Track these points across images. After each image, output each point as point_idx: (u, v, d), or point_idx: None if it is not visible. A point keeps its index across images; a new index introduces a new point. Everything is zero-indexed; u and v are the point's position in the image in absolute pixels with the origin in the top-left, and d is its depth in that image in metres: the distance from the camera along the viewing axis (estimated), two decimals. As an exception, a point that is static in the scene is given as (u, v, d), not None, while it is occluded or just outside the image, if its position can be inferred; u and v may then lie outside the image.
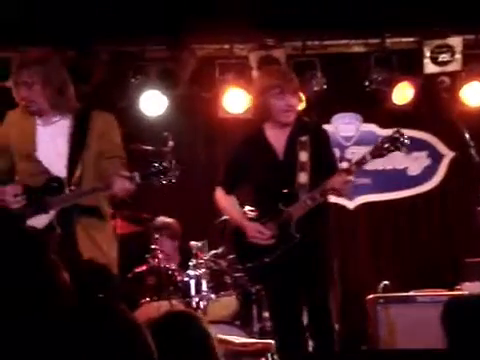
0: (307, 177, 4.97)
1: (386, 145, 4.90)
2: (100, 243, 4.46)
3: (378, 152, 4.92)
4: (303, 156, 5.01)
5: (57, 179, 4.42)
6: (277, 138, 5.10)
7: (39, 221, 4.37)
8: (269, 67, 5.50)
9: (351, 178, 4.91)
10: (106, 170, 4.37)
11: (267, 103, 5.02)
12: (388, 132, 7.99)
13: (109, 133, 4.56)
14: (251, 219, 5.13)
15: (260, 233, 4.98)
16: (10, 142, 4.58)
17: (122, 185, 4.21)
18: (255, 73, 7.57)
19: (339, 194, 5.10)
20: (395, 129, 4.99)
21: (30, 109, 4.51)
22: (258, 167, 5.06)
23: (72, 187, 4.39)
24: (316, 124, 5.43)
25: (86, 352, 1.69)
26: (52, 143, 4.52)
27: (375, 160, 5.03)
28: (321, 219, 5.06)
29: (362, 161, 4.94)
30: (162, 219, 6.92)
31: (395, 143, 4.89)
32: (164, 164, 4.22)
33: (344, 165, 5.36)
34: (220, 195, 5.26)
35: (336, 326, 5.09)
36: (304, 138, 5.04)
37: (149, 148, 5.46)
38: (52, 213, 4.38)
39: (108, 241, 4.56)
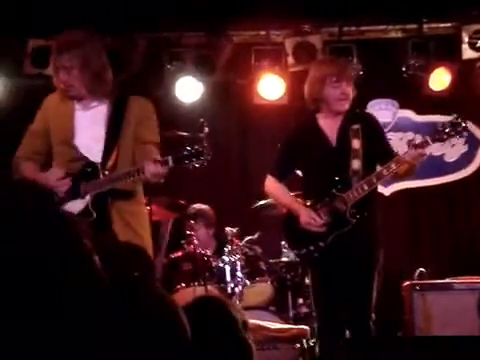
0: (360, 164, 5.01)
1: (447, 130, 4.86)
2: (135, 227, 4.47)
3: (439, 136, 4.89)
4: (355, 144, 5.04)
5: (92, 164, 4.43)
6: (330, 126, 5.15)
7: (75, 206, 4.40)
8: (324, 57, 5.52)
9: (426, 152, 4.89)
10: (141, 155, 4.37)
11: (322, 91, 5.07)
12: (424, 118, 8.04)
13: (146, 119, 4.56)
14: (304, 205, 5.14)
15: (314, 220, 4.99)
16: (49, 126, 4.59)
17: (154, 169, 4.20)
18: (291, 60, 7.55)
19: (409, 169, 5.00)
20: (455, 115, 4.94)
21: (69, 93, 4.52)
22: (311, 154, 5.09)
23: (106, 172, 4.41)
24: (367, 113, 5.46)
25: (120, 331, 1.71)
26: (90, 128, 4.54)
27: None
28: (373, 206, 5.12)
29: (423, 145, 4.89)
30: (197, 206, 6.92)
31: (456, 128, 4.86)
32: (196, 147, 4.20)
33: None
34: (271, 182, 5.28)
35: (373, 315, 5.08)
36: (356, 126, 5.08)
37: (185, 134, 5.48)
38: (87, 198, 4.41)
39: (142, 225, 4.57)
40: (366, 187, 4.95)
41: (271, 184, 5.27)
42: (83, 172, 4.44)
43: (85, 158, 4.47)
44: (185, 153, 4.21)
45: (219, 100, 7.83)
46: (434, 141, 4.89)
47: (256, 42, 7.76)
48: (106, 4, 6.87)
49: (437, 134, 4.89)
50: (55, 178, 4.42)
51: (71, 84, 4.47)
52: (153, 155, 4.35)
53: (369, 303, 4.99)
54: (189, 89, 7.55)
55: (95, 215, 4.38)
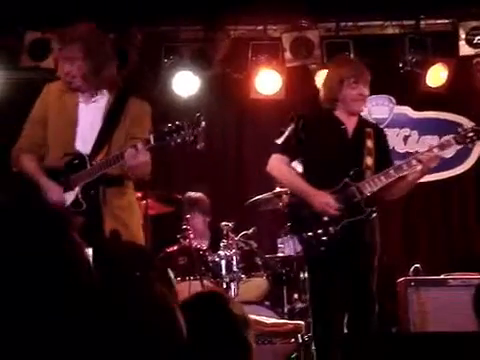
0: (372, 161, 5.08)
1: (470, 134, 5.01)
2: (125, 220, 4.45)
3: (461, 140, 5.03)
4: (369, 143, 5.12)
5: (79, 156, 4.42)
6: (346, 122, 5.21)
7: (65, 199, 4.40)
8: (343, 57, 5.56)
9: (440, 154, 5.03)
10: None
11: (340, 92, 5.13)
12: (421, 114, 8.05)
13: (141, 119, 4.55)
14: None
15: (331, 202, 4.99)
16: (48, 115, 4.58)
17: (132, 153, 4.17)
18: (288, 55, 7.55)
19: (422, 170, 5.11)
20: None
21: (72, 85, 4.51)
22: (327, 142, 5.12)
23: (94, 163, 4.39)
24: (378, 125, 5.62)
25: (115, 329, 1.70)
26: (90, 121, 4.53)
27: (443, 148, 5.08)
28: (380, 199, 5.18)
29: (446, 144, 5.04)
30: (193, 194, 6.91)
31: (479, 135, 5.03)
32: (177, 123, 4.19)
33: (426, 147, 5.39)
34: (280, 162, 5.19)
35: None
36: (369, 129, 5.19)
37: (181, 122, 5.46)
38: (77, 189, 4.40)
39: (132, 219, 4.55)
40: (383, 178, 5.01)
41: (281, 164, 5.19)
42: (71, 164, 4.43)
43: (78, 152, 4.46)
44: (165, 130, 4.21)
45: (216, 94, 7.83)
46: (457, 143, 5.05)
47: (253, 37, 7.76)
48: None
49: (460, 137, 5.03)
50: (57, 197, 4.40)
51: (74, 75, 4.46)
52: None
53: (374, 295, 5.04)
54: (186, 83, 7.55)
55: (85, 206, 4.38)
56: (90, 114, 4.53)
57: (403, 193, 5.36)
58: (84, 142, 4.48)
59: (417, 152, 7.84)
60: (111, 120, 4.51)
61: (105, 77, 4.51)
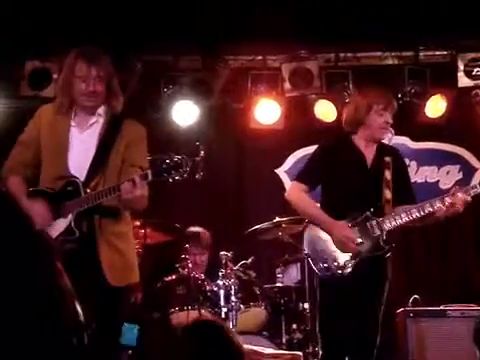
0: (390, 195, 5.03)
1: None
2: (119, 247, 4.41)
3: None
4: (387, 174, 5.08)
5: (73, 183, 4.39)
6: (365, 151, 5.20)
7: (58, 226, 4.36)
8: (373, 86, 5.61)
9: (467, 198, 5.01)
10: (125, 177, 4.30)
11: (367, 117, 5.13)
12: (420, 145, 8.06)
13: (137, 144, 4.50)
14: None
15: (350, 236, 4.96)
16: (41, 138, 4.53)
17: (128, 188, 4.14)
18: (287, 85, 7.58)
19: (451, 212, 5.07)
20: None
21: (94, 103, 4.45)
22: (346, 172, 5.10)
23: (88, 190, 4.37)
24: (396, 149, 5.49)
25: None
26: (83, 146, 4.49)
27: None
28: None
29: (472, 191, 5.07)
30: (194, 229, 6.89)
31: None
32: (175, 159, 4.16)
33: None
34: (298, 190, 5.17)
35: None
36: (387, 158, 5.14)
37: (180, 157, 5.46)
38: (70, 217, 4.35)
39: (127, 246, 4.51)
40: (405, 217, 4.99)
41: (299, 193, 5.16)
42: (65, 191, 4.39)
43: (73, 177, 4.42)
44: (164, 166, 4.17)
45: (215, 124, 7.85)
46: None
47: (253, 67, 7.80)
48: (103, 27, 6.89)
49: None
50: (37, 213, 4.37)
51: (100, 93, 4.43)
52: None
53: (377, 328, 5.00)
54: (186, 112, 7.57)
55: (78, 234, 4.33)
56: (84, 139, 4.49)
57: (426, 224, 5.28)
58: (78, 168, 4.42)
59: (415, 183, 7.88)
60: (106, 145, 4.45)
61: (118, 99, 4.51)
